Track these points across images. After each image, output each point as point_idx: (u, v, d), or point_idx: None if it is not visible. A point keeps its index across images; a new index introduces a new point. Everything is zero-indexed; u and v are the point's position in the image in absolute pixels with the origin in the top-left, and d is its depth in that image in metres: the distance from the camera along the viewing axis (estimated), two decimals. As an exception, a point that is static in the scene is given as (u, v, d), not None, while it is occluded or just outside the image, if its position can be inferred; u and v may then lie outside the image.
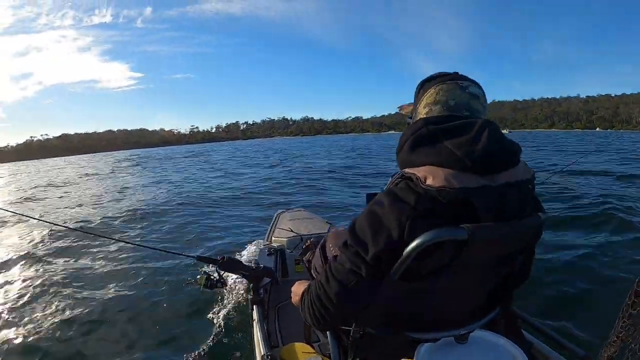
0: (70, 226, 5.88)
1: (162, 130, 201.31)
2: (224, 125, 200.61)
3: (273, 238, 2.79)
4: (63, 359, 2.50)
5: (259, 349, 1.50)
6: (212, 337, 2.50)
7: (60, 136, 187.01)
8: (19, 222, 6.70)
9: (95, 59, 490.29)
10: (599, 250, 3.68)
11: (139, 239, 5.36)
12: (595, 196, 6.31)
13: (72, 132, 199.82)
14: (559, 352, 1.13)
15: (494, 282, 0.91)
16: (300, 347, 1.34)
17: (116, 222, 6.73)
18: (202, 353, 2.35)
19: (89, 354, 2.49)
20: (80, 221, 6.93)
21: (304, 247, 1.81)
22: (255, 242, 3.94)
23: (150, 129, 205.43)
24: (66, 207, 8.91)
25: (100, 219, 7.10)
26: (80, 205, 9.02)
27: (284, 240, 2.63)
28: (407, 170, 0.75)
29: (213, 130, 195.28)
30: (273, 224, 3.18)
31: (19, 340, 2.70)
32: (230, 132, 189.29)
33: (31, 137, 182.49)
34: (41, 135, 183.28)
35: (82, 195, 11.18)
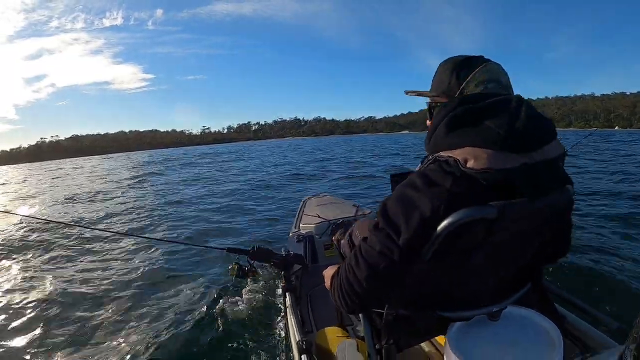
0: (102, 227, 6.21)
1: (173, 131, 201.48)
2: (235, 126, 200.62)
3: (301, 225, 2.78)
4: (96, 338, 2.65)
5: (294, 334, 1.52)
6: (246, 325, 2.57)
7: (71, 137, 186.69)
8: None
9: (107, 61, 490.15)
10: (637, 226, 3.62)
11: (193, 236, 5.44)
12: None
13: (83, 134, 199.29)
14: (592, 324, 1.10)
15: (526, 258, 0.90)
16: (334, 331, 1.36)
17: (153, 219, 6.89)
18: (239, 340, 2.39)
19: (123, 339, 2.60)
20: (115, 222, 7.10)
21: (334, 226, 1.77)
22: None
23: (162, 130, 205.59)
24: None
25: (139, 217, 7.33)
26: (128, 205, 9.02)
27: (312, 227, 2.61)
28: (441, 153, 0.72)
29: (225, 131, 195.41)
30: (300, 210, 3.16)
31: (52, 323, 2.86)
32: (242, 133, 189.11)
33: (41, 138, 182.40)
34: (51, 136, 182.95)
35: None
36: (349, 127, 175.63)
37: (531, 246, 0.87)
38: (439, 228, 0.69)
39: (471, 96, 0.78)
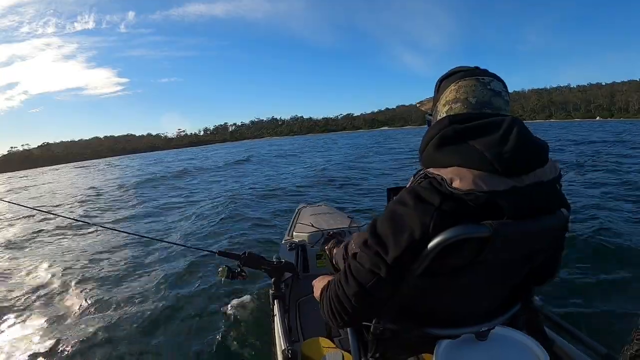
0: (90, 222, 6.71)
1: (149, 135, 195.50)
2: (212, 127, 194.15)
3: (294, 233, 2.74)
4: (85, 342, 2.61)
5: (280, 343, 1.52)
6: (233, 330, 2.57)
7: (41, 145, 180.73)
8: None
9: (80, 65, 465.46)
10: (624, 245, 3.58)
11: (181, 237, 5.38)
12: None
13: (58, 141, 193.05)
14: (580, 349, 1.10)
15: (516, 279, 0.88)
16: (321, 342, 1.35)
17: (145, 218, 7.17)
18: (223, 346, 2.41)
19: (112, 342, 2.58)
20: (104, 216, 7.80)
21: (327, 236, 1.76)
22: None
23: (137, 134, 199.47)
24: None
25: (125, 214, 7.80)
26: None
27: (305, 235, 2.58)
28: (431, 170, 0.73)
29: (201, 133, 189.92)
30: (294, 218, 3.09)
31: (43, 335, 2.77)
32: (219, 134, 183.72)
33: (12, 147, 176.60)
34: (22, 145, 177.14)
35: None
36: (327, 125, 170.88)
37: (522, 267, 0.85)
38: (430, 244, 0.68)
39: (461, 116, 0.77)
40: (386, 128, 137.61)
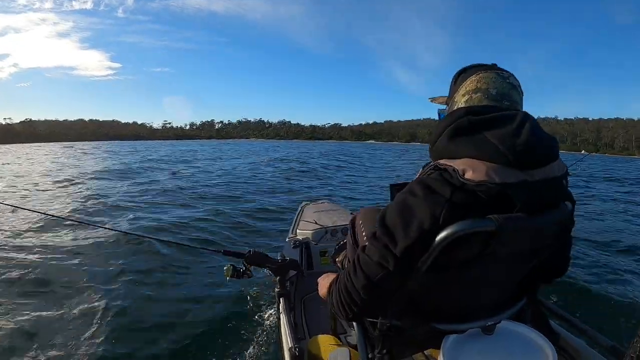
0: (90, 222, 6.08)
1: (134, 123, 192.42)
2: (198, 123, 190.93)
3: (298, 230, 2.78)
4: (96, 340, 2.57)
5: (286, 340, 1.54)
6: (239, 329, 2.61)
7: (24, 121, 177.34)
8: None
9: (74, 45, 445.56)
10: (632, 240, 3.81)
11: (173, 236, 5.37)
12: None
13: (42, 119, 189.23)
14: (587, 342, 1.11)
15: (523, 273, 0.89)
16: (327, 339, 1.34)
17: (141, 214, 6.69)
18: (230, 344, 2.42)
19: (119, 344, 2.55)
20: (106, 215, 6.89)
21: (336, 247, 1.79)
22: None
23: (123, 121, 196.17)
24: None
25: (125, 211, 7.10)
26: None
27: (309, 233, 2.62)
28: (442, 161, 0.72)
29: (187, 127, 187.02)
30: (298, 216, 3.12)
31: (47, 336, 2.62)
32: (205, 130, 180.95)
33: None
34: (4, 118, 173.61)
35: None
36: (314, 133, 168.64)
37: (529, 262, 0.85)
38: (436, 239, 0.68)
39: (476, 108, 0.78)
40: (373, 142, 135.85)
